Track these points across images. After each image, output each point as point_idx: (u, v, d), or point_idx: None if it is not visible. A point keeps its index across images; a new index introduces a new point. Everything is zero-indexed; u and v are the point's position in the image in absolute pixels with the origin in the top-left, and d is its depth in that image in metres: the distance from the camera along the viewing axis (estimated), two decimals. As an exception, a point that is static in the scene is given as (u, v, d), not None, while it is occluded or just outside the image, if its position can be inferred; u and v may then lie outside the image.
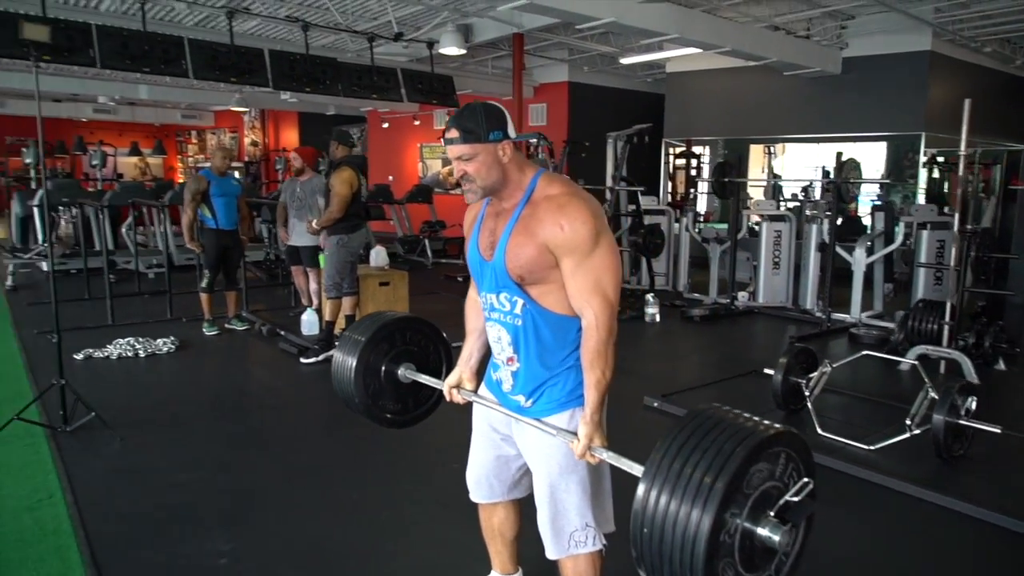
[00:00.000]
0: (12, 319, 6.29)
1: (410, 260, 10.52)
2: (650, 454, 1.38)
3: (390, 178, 14.47)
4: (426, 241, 10.60)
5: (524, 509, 2.00)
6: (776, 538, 1.30)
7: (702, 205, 11.71)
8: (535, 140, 9.99)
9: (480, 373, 1.98)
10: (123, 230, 8.98)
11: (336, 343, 5.14)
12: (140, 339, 5.31)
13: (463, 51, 8.58)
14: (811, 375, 3.87)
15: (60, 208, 9.24)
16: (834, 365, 3.88)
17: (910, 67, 8.64)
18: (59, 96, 15.89)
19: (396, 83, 9.26)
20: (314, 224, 5.08)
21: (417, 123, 13.99)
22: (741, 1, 7.92)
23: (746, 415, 1.41)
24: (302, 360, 5.07)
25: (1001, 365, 4.98)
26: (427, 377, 2.07)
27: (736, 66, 9.50)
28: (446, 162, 14.29)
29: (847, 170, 6.37)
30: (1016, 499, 3.00)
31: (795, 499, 1.36)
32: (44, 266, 8.86)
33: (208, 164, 5.85)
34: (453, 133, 1.70)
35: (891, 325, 5.81)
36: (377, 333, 2.08)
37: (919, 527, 2.89)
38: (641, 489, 1.33)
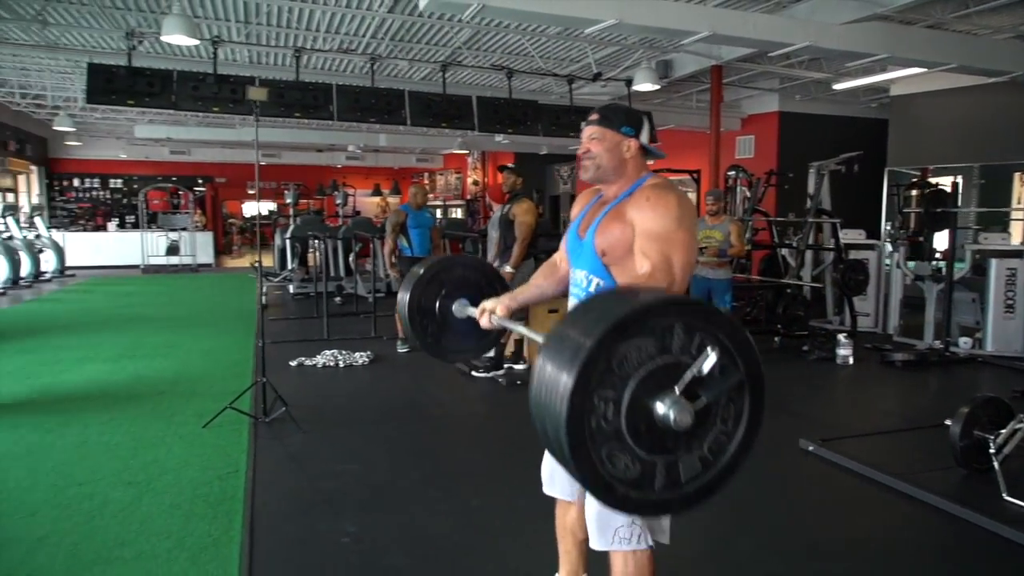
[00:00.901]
0: (256, 331, 7.53)
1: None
2: None
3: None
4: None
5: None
6: (675, 416, 1.26)
7: (942, 241, 10.36)
8: (732, 173, 9.68)
9: (516, 315, 2.09)
10: (351, 259, 10.26)
11: (504, 365, 5.51)
12: (342, 352, 6.10)
13: (657, 87, 8.64)
14: (1001, 431, 3.33)
15: (308, 240, 10.82)
16: (1032, 420, 3.30)
17: None
18: (320, 147, 18.72)
19: (594, 121, 9.58)
20: (507, 268, 5.36)
21: (622, 159, 14.21)
22: (974, 12, 7.05)
23: (651, 291, 1.41)
24: (472, 373, 5.48)
25: None
26: (472, 309, 2.17)
27: (976, 83, 8.42)
28: (650, 197, 14.30)
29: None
30: None
31: (700, 372, 1.30)
32: (291, 288, 10.47)
33: (409, 201, 6.57)
34: (593, 116, 1.94)
35: None
36: (428, 272, 2.23)
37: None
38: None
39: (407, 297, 2.22)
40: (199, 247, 14.88)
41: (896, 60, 7.14)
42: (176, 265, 14.40)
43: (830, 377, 5.79)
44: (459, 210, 18.49)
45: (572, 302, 1.98)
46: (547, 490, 2.13)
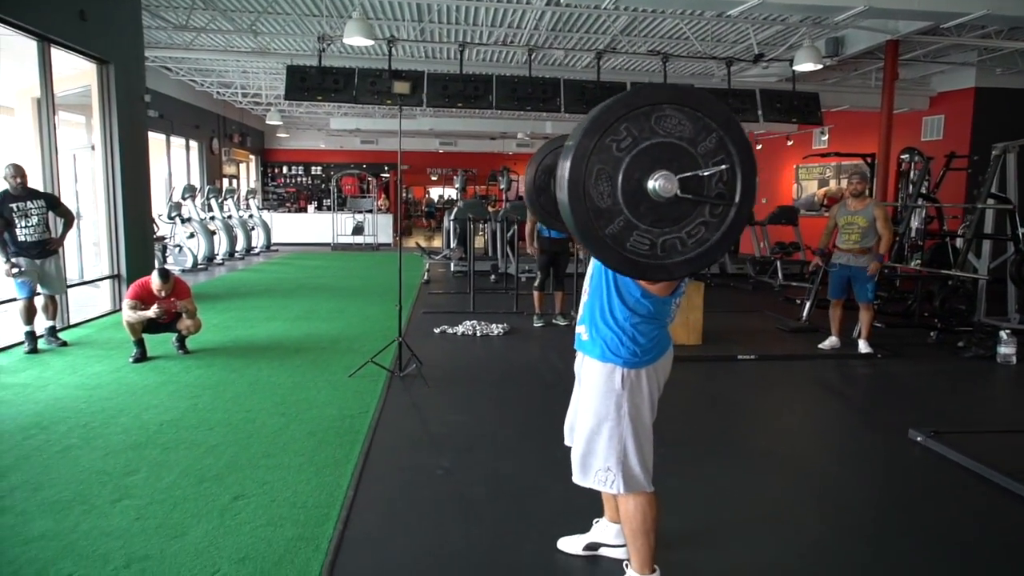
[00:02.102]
0: (414, 301, 8.34)
1: (760, 281, 10.35)
2: None
3: (763, 200, 14.23)
4: (777, 263, 10.29)
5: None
6: (661, 184, 1.52)
7: None
8: (905, 156, 8.95)
9: None
10: (507, 240, 10.85)
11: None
12: (481, 323, 6.64)
13: (819, 66, 8.23)
14: None
15: (467, 222, 11.58)
16: None
17: None
18: (492, 135, 19.66)
19: (753, 104, 9.30)
20: None
21: (790, 143, 13.50)
22: None
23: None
24: None
25: None
26: None
27: None
28: (822, 183, 13.47)
29: None
30: None
31: (704, 174, 1.54)
32: (452, 266, 11.31)
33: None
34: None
35: None
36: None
37: None
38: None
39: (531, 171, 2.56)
40: (380, 228, 16.38)
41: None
42: (360, 244, 15.98)
43: (979, 375, 5.33)
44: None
45: (592, 267, 2.19)
46: (567, 441, 2.34)
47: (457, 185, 13.77)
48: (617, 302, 2.05)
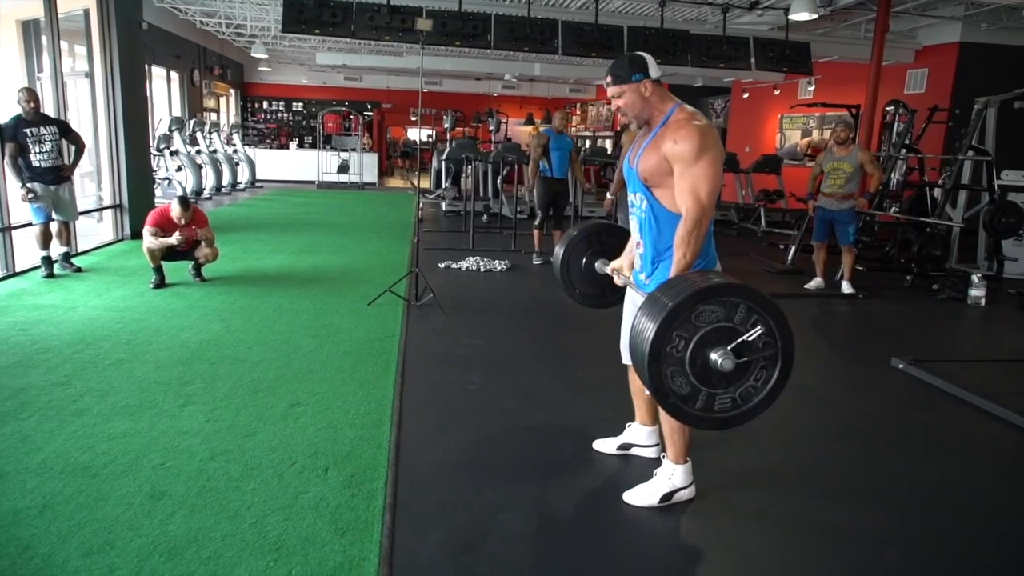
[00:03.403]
0: (411, 238, 8.52)
1: (744, 228, 10.71)
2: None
3: (747, 148, 14.50)
4: (761, 209, 10.63)
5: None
6: (721, 361, 1.77)
7: None
8: (890, 108, 9.23)
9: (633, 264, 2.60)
10: (498, 182, 11.01)
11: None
12: (484, 259, 6.89)
13: (814, 16, 8.39)
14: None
15: (461, 162, 11.68)
16: None
17: None
18: (478, 75, 19.47)
19: (746, 52, 9.47)
20: (608, 196, 5.98)
21: (777, 92, 13.71)
22: None
23: (731, 279, 1.87)
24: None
25: None
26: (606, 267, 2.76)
27: None
28: (805, 133, 13.76)
29: None
30: None
31: (748, 339, 1.79)
32: (443, 206, 11.46)
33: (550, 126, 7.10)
34: (607, 79, 2.34)
35: None
36: (581, 233, 2.87)
37: None
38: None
39: (561, 251, 2.88)
40: (365, 167, 16.33)
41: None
42: (345, 183, 15.96)
43: (952, 314, 5.77)
44: (608, 141, 18.66)
45: (633, 220, 2.39)
46: (625, 360, 2.67)
47: (447, 125, 13.78)
48: (670, 228, 2.29)
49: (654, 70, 2.27)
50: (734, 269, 7.38)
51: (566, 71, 16.94)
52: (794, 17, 8.46)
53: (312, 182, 15.98)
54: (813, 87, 12.78)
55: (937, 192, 7.60)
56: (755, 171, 11.85)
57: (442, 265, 6.78)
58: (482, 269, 6.70)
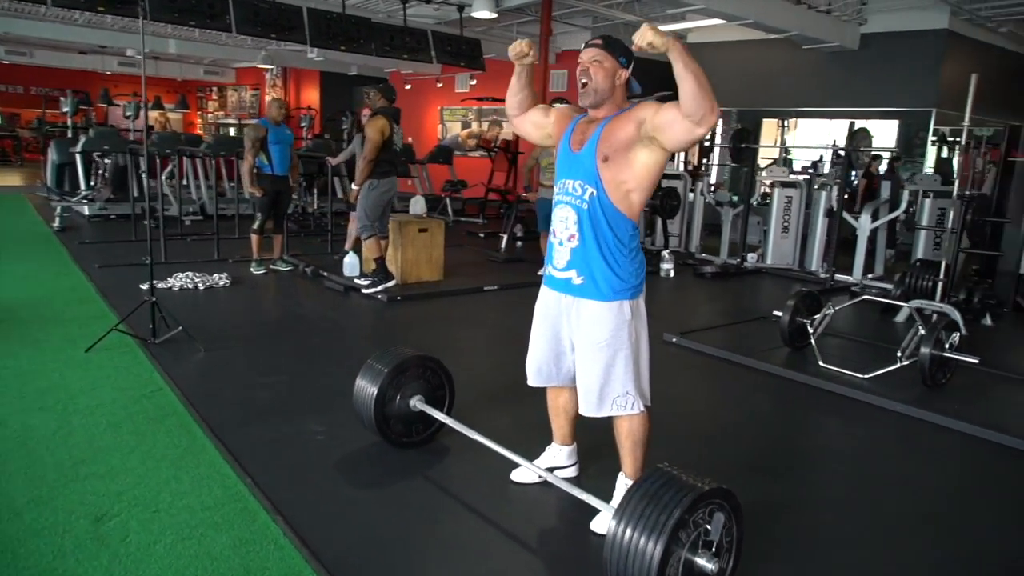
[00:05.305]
0: (70, 255, 6.74)
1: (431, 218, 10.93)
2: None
3: (409, 139, 14.80)
4: (447, 200, 10.99)
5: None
6: (711, 567, 1.74)
7: (715, 174, 12.07)
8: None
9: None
10: (163, 178, 9.35)
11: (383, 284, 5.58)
12: (197, 274, 5.77)
13: (494, 15, 8.87)
14: (815, 316, 4.33)
15: (106, 156, 9.60)
16: (836, 307, 4.34)
17: (926, 45, 8.69)
18: (85, 48, 16.16)
19: (427, 45, 9.58)
20: (353, 187, 5.56)
21: (440, 85, 14.26)
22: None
23: (687, 476, 1.81)
24: (364, 291, 5.52)
25: (988, 321, 5.43)
26: (432, 409, 2.71)
27: (756, 38, 9.75)
28: (465, 125, 14.61)
29: (859, 139, 6.74)
30: (986, 415, 3.49)
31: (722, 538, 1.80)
32: (86, 210, 9.30)
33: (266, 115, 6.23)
34: (597, 40, 2.19)
35: (890, 286, 6.25)
36: (395, 367, 2.70)
37: (903, 433, 3.39)
38: (612, 524, 1.76)
39: (377, 383, 2.70)
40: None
41: (709, 11, 8.03)
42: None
43: (660, 287, 6.76)
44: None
45: (563, 209, 2.25)
46: (531, 382, 2.48)
47: (66, 109, 11.17)
48: (614, 243, 2.18)
49: (630, 71, 2.21)
50: (459, 261, 7.50)
51: (204, 50, 15.07)
52: (475, 14, 8.83)
53: None
54: (475, 81, 13.58)
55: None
56: (430, 162, 12.19)
57: (144, 286, 5.48)
58: (200, 287, 5.61)
